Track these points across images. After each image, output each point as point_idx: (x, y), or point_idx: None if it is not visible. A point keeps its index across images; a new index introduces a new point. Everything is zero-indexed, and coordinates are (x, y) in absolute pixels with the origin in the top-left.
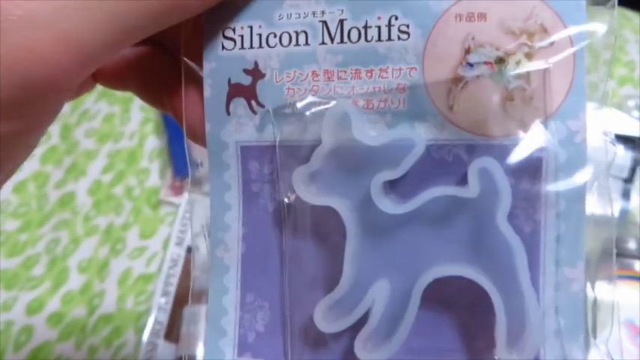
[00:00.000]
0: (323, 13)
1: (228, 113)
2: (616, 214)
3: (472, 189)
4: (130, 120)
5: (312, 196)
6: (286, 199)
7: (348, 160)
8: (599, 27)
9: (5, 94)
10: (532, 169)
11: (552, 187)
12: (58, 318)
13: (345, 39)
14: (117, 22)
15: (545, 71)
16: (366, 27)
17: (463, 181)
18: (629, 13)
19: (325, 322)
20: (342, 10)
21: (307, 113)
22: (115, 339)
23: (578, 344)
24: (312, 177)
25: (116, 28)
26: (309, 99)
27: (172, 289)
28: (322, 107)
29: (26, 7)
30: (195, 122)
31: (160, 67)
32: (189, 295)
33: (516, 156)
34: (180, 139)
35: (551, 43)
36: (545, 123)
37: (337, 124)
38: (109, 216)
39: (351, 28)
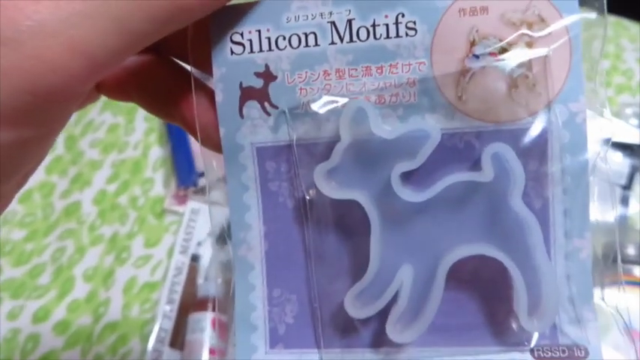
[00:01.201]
0: (331, 14)
1: (242, 116)
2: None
3: (487, 173)
4: (134, 130)
5: (334, 190)
6: (307, 195)
7: (365, 153)
8: (590, 15)
9: (18, 100)
10: (539, 150)
11: (558, 165)
12: (64, 326)
13: (355, 38)
14: (123, 29)
15: (545, 58)
16: (374, 25)
17: (475, 165)
18: (627, 23)
19: (356, 308)
20: (350, 11)
21: (321, 112)
22: (121, 347)
23: (589, 307)
24: (332, 172)
25: (122, 35)
26: (324, 99)
27: (177, 297)
28: (336, 105)
29: (35, 18)
30: (208, 127)
31: (164, 76)
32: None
33: (524, 139)
34: (183, 149)
35: (549, 32)
36: (548, 107)
37: (353, 120)
38: (114, 225)
39: (360, 27)
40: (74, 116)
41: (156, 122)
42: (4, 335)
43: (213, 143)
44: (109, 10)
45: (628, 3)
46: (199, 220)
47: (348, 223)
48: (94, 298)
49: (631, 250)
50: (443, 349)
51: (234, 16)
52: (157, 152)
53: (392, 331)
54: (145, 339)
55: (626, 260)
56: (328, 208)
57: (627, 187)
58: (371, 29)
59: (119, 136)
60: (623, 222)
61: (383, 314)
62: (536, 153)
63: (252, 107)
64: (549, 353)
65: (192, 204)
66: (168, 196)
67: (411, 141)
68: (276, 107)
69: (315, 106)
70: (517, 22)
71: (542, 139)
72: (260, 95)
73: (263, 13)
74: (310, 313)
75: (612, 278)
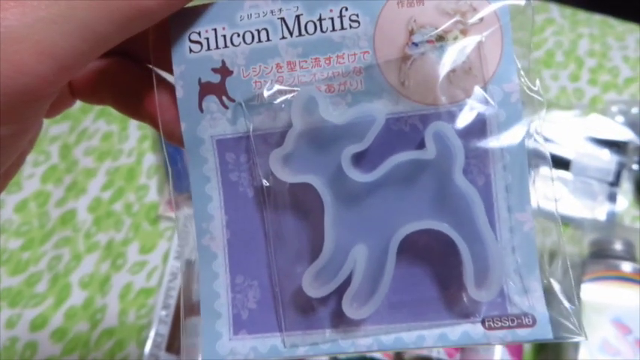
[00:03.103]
0: (280, 10)
1: (202, 110)
2: (601, 216)
3: (430, 151)
4: (128, 138)
5: (289, 175)
6: (265, 182)
7: (317, 139)
8: (518, 1)
9: None
10: (478, 128)
11: (497, 143)
12: (62, 333)
13: (303, 32)
14: (87, 32)
15: (479, 44)
16: (320, 19)
17: (421, 147)
18: (612, 21)
19: (313, 288)
20: (297, 7)
21: (275, 102)
22: (118, 352)
23: (534, 277)
24: (286, 158)
25: (86, 38)
26: (275, 88)
27: (172, 302)
28: (288, 95)
29: (4, 25)
30: (171, 123)
31: (131, 77)
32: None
33: (463, 119)
34: (177, 156)
35: (481, 19)
36: (484, 88)
37: (305, 108)
38: (110, 232)
39: (307, 21)
40: (68, 125)
41: (149, 130)
42: (2, 344)
43: (176, 138)
44: (73, 15)
45: (614, 2)
46: (194, 225)
47: (305, 207)
48: (90, 305)
49: (618, 246)
50: (399, 325)
51: (191, 17)
52: (151, 159)
53: (348, 308)
54: (142, 344)
55: (614, 256)
56: (285, 193)
57: (615, 183)
58: (318, 23)
59: (113, 143)
60: (611, 218)
61: (340, 293)
62: (476, 131)
63: (211, 101)
64: (499, 323)
65: (187, 210)
66: (162, 203)
67: (359, 125)
68: (233, 100)
69: (266, 94)
70: (451, 12)
71: (481, 118)
72: (218, 90)
73: (219, 13)
74: (272, 297)
75: (598, 274)
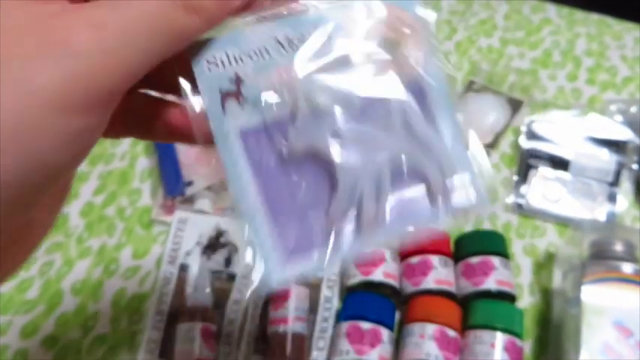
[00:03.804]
0: (274, 33)
1: (225, 112)
2: (601, 217)
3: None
4: (121, 142)
5: (301, 145)
6: (284, 151)
7: (315, 116)
8: (431, 15)
9: (87, 91)
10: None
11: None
12: (53, 341)
13: (293, 46)
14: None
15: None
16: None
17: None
18: (610, 20)
19: (340, 221)
20: (287, 30)
21: (282, 97)
22: (110, 359)
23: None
24: (296, 133)
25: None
26: (280, 87)
27: (166, 307)
28: (291, 90)
29: (84, 49)
30: (187, 129)
31: (139, 105)
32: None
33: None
34: (170, 159)
35: (410, 30)
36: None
37: (305, 98)
38: (102, 237)
39: (294, 38)
40: None
41: None
42: None
43: (206, 138)
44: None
45: (611, 1)
46: (187, 229)
47: (318, 163)
48: (82, 312)
49: (618, 247)
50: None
51: (206, 45)
52: (144, 163)
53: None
54: (135, 350)
55: (614, 257)
56: (301, 155)
57: (614, 183)
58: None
59: (105, 147)
60: (611, 219)
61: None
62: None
63: (231, 104)
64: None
65: (180, 214)
66: (155, 207)
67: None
68: (248, 101)
69: (271, 101)
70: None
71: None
72: (235, 95)
73: (227, 41)
74: (308, 229)
75: (598, 275)
